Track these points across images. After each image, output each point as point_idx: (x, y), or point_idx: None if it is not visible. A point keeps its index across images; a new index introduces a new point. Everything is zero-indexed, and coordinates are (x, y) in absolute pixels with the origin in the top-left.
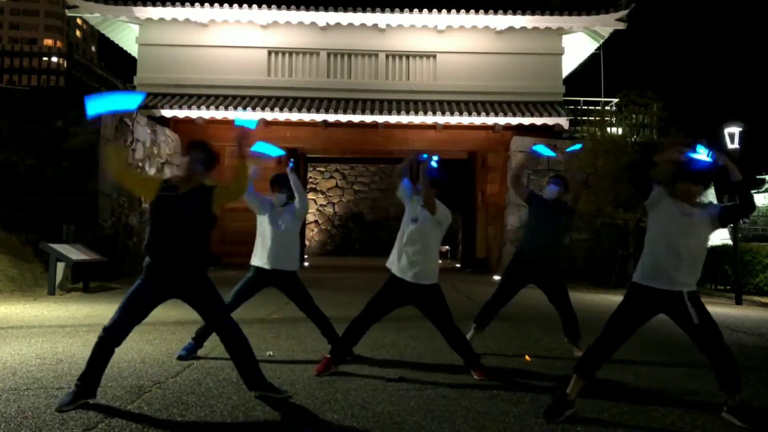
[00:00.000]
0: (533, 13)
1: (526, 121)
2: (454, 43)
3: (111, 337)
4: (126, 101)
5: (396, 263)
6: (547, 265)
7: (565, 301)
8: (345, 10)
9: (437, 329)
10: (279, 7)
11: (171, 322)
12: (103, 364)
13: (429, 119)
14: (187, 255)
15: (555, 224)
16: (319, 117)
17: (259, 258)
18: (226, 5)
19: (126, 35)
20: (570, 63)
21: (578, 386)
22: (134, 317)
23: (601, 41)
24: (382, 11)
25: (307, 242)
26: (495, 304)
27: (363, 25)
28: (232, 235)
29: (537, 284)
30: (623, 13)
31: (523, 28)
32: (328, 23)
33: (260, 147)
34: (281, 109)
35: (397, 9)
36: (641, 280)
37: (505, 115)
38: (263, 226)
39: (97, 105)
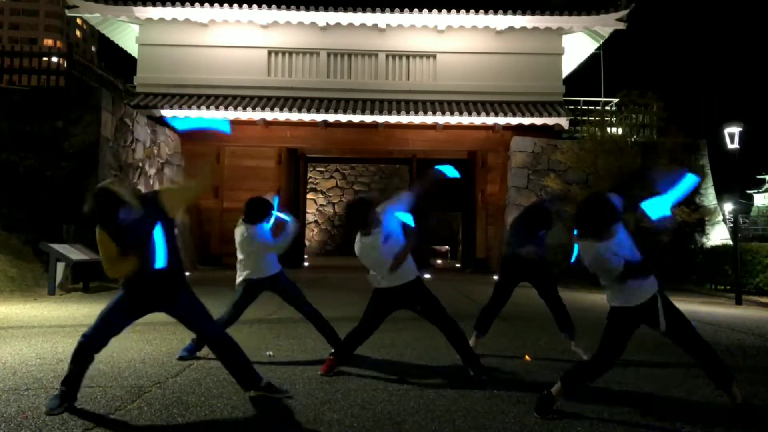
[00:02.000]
0: (533, 13)
1: (526, 121)
2: (454, 43)
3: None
4: (216, 123)
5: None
6: (534, 261)
7: (555, 295)
8: (345, 10)
9: (436, 326)
10: (279, 7)
11: (171, 322)
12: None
13: (429, 119)
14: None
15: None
16: (319, 117)
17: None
18: (226, 5)
19: (126, 35)
20: (570, 63)
21: (563, 392)
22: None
23: (601, 41)
24: (382, 11)
25: (307, 242)
26: (493, 307)
27: (363, 25)
28: (232, 234)
29: (528, 281)
30: (623, 13)
31: (523, 28)
32: (328, 23)
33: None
34: (281, 109)
35: (397, 9)
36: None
37: (505, 115)
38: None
39: (187, 122)
